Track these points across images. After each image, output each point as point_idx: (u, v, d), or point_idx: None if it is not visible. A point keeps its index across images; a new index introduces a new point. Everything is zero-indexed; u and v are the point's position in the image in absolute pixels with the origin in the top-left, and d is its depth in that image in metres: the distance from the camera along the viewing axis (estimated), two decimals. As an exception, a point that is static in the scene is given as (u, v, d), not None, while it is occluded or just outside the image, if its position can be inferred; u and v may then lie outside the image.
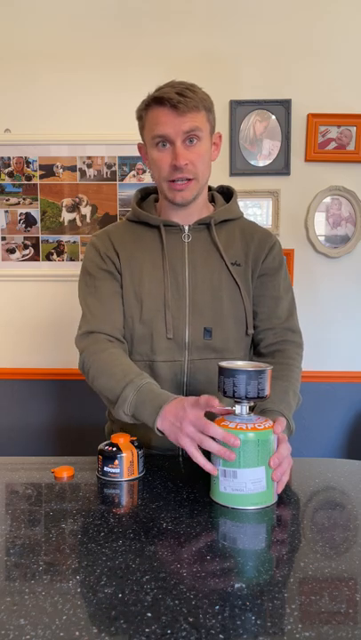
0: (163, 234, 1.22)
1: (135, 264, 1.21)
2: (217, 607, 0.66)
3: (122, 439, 1.06)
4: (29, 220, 2.18)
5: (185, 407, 0.97)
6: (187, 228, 1.23)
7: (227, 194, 1.33)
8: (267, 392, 0.95)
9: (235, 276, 1.21)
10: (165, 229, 1.22)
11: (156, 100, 1.13)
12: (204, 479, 1.05)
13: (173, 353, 1.20)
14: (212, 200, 1.31)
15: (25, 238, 2.19)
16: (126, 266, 1.21)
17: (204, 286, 1.20)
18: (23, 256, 2.20)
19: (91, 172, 2.15)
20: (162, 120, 1.13)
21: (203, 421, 0.94)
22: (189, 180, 1.16)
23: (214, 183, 1.35)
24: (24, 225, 2.19)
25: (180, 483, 1.04)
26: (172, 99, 1.10)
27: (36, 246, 2.19)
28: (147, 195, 1.33)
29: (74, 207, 2.17)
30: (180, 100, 1.10)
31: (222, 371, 0.96)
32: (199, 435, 0.94)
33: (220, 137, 1.24)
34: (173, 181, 1.16)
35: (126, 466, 1.04)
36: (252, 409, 0.98)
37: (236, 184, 2.14)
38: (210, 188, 1.32)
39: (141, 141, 1.24)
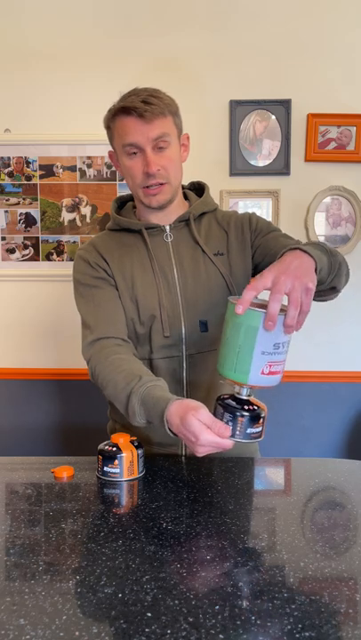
0: (146, 236, 1.25)
1: (125, 268, 1.24)
2: (217, 607, 0.66)
3: (122, 439, 1.07)
4: (29, 220, 2.18)
5: (195, 433, 0.93)
6: (168, 227, 1.26)
7: (199, 189, 1.36)
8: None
9: (218, 265, 1.24)
10: (148, 232, 1.25)
11: (123, 110, 1.16)
12: (204, 479, 1.05)
13: (171, 350, 1.22)
14: (185, 198, 1.33)
15: (25, 238, 2.19)
16: (117, 271, 1.24)
17: (193, 281, 1.23)
18: (23, 256, 2.20)
19: (91, 172, 2.15)
20: (130, 129, 1.15)
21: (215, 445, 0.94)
22: (162, 184, 1.19)
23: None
24: (24, 225, 2.18)
25: (180, 483, 1.05)
26: (137, 108, 1.13)
27: (35, 246, 2.19)
28: (123, 203, 1.36)
29: (74, 207, 2.17)
30: (146, 108, 1.13)
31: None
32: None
33: (188, 138, 1.26)
34: (147, 187, 1.19)
35: (126, 466, 1.04)
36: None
37: (236, 184, 2.15)
38: (182, 187, 1.34)
39: (112, 149, 1.26)
